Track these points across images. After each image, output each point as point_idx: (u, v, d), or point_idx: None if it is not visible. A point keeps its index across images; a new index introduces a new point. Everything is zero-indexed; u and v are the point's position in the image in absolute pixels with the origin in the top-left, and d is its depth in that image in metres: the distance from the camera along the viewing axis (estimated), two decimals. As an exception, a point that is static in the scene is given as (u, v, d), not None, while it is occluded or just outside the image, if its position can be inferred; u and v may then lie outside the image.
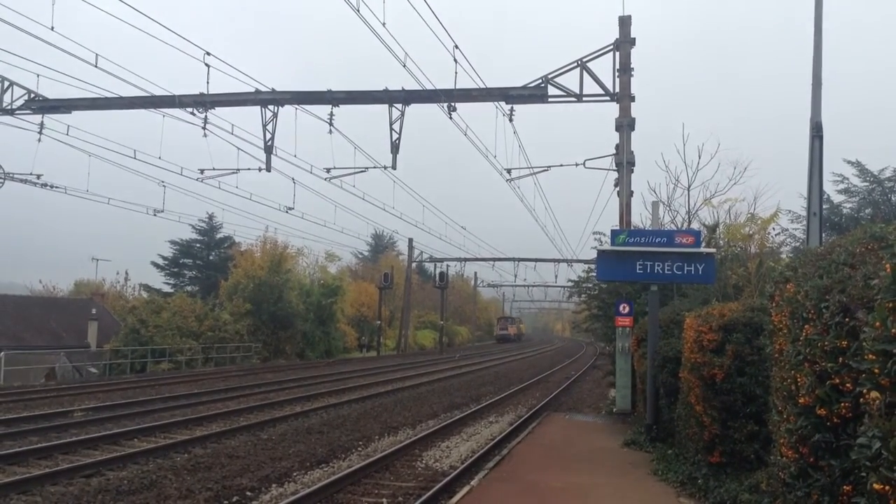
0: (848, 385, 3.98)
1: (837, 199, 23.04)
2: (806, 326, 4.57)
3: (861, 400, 3.46)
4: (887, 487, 2.96)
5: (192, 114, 24.25)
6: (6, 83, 25.11)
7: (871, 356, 3.17)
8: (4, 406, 19.53)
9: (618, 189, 21.63)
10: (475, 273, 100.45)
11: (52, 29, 19.44)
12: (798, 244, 19.32)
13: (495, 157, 24.27)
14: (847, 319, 4.05)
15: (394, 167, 24.09)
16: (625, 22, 21.53)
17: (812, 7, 11.49)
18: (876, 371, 3.13)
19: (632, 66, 21.39)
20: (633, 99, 21.29)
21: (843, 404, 4.08)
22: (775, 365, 5.63)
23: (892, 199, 21.41)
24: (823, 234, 12.03)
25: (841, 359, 4.05)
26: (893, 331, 2.98)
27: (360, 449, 14.01)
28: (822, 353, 4.25)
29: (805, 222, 13.30)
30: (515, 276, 75.37)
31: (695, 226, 18.37)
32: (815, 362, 4.35)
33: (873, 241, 4.49)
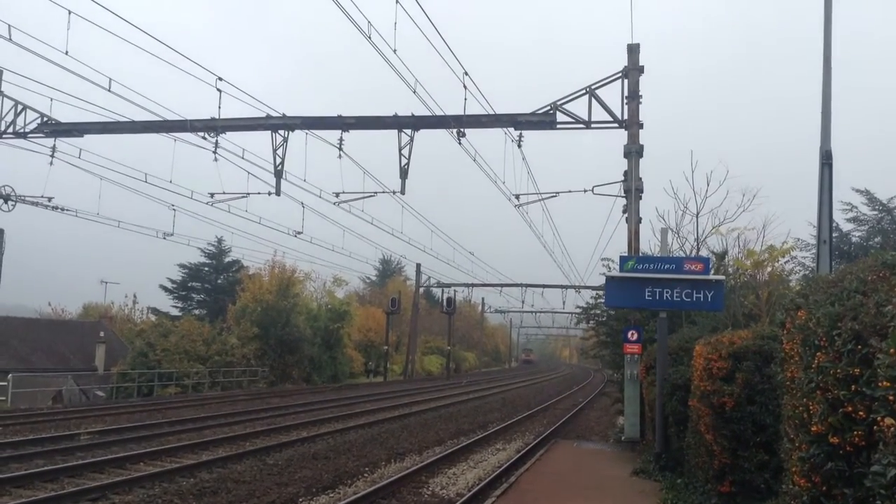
0: (861, 413, 3.94)
1: (846, 227, 23.01)
2: (818, 354, 4.54)
3: (875, 427, 3.43)
4: (903, 516, 2.93)
5: (204, 138, 24.43)
6: (19, 106, 25.37)
7: (885, 383, 3.15)
8: (11, 428, 19.50)
9: (626, 216, 21.63)
10: (482, 299, 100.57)
11: (67, 53, 19.72)
12: (807, 272, 19.23)
13: (504, 182, 24.33)
14: (860, 347, 4.02)
15: (402, 192, 24.17)
16: (633, 50, 21.67)
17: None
18: (890, 398, 3.11)
19: (640, 93, 21.49)
20: (641, 126, 21.35)
21: (856, 432, 4.04)
22: (787, 393, 5.58)
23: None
24: (833, 263, 11.97)
25: (854, 386, 4.02)
26: (907, 357, 2.96)
27: (366, 475, 13.91)
28: (835, 381, 4.22)
29: (814, 250, 13.26)
30: (523, 301, 75.15)
31: (703, 253, 18.30)
32: (828, 390, 4.31)
33: (885, 268, 4.47)
